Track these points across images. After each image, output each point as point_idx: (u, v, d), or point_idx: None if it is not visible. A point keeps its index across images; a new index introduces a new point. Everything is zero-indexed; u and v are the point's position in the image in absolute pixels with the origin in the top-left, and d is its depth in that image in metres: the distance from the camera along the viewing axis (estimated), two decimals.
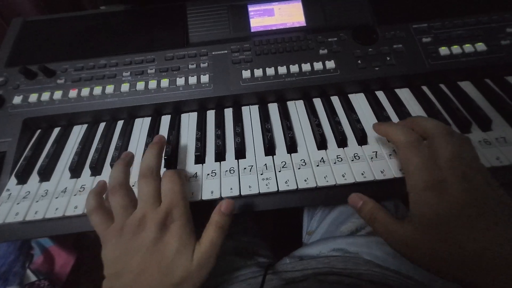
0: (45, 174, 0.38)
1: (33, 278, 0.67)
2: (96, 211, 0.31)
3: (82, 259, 0.77)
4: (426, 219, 0.26)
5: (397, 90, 0.45)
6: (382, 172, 0.35)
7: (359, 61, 0.44)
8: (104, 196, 0.34)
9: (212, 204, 0.33)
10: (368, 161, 0.36)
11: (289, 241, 0.56)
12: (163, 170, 0.38)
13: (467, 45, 0.44)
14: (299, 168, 0.36)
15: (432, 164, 0.27)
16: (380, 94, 0.45)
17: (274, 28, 0.50)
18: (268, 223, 0.84)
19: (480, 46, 0.44)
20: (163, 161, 0.39)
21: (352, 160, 0.36)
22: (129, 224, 0.29)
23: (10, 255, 0.65)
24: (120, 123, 0.45)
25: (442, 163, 0.26)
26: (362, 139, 0.38)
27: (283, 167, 0.36)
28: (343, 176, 0.35)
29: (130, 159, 0.35)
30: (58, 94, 0.44)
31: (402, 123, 0.33)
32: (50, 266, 0.71)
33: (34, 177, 0.39)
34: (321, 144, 0.38)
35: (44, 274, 0.69)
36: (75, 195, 0.36)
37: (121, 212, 0.30)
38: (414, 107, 0.42)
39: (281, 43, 0.47)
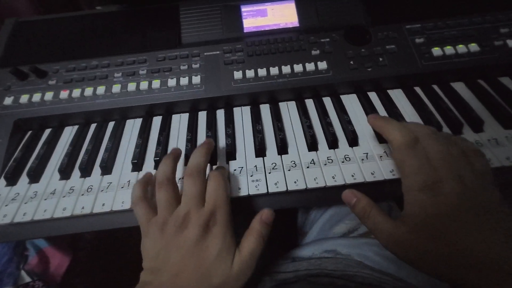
0: (35, 176, 0.38)
1: (27, 279, 0.67)
2: (141, 202, 0.31)
3: (77, 260, 0.76)
4: (420, 219, 0.26)
5: (390, 91, 0.44)
6: (372, 174, 0.35)
7: (352, 62, 0.44)
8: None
9: None
10: (358, 163, 0.36)
11: (283, 242, 0.56)
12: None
13: (460, 45, 0.44)
14: (289, 170, 0.36)
15: (428, 165, 0.27)
16: (373, 95, 0.44)
17: (267, 28, 0.50)
18: None
19: (473, 47, 0.44)
20: (153, 162, 0.39)
21: (343, 162, 0.36)
22: (172, 220, 0.29)
23: (4, 256, 0.65)
24: (111, 124, 0.45)
25: (437, 163, 0.27)
26: (353, 141, 0.38)
27: (273, 168, 0.36)
28: (333, 178, 0.35)
29: (179, 154, 0.35)
30: (49, 95, 0.44)
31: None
32: (44, 267, 0.71)
33: (24, 179, 0.39)
34: (312, 145, 0.38)
35: (39, 275, 0.69)
36: (64, 196, 0.36)
37: (165, 206, 0.30)
38: (406, 108, 0.42)
39: (273, 44, 0.46)
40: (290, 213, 0.61)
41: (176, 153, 0.35)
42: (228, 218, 0.30)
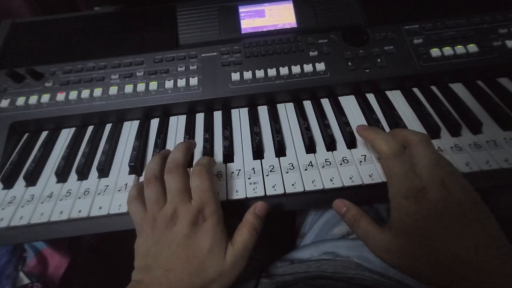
0: (31, 179, 0.38)
1: (26, 280, 0.67)
2: (134, 201, 0.31)
3: (76, 261, 0.76)
4: (406, 225, 0.27)
5: (388, 92, 0.44)
6: (370, 176, 0.35)
7: (350, 63, 0.44)
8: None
9: None
10: (356, 165, 0.36)
11: (282, 244, 0.56)
12: None
13: (458, 46, 0.44)
14: (287, 172, 0.36)
15: (412, 173, 0.28)
16: (371, 97, 0.44)
17: (264, 29, 0.50)
18: None
19: (472, 48, 0.43)
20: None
21: (341, 164, 0.36)
22: (160, 217, 0.29)
23: (2, 257, 0.65)
24: (108, 127, 0.45)
25: (422, 171, 0.28)
26: (351, 143, 0.38)
27: (271, 171, 0.36)
28: (331, 181, 0.35)
29: (167, 153, 0.35)
30: (45, 98, 0.44)
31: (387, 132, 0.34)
32: (43, 268, 0.71)
33: (21, 182, 0.39)
34: (310, 147, 0.38)
35: (37, 277, 0.68)
36: (61, 200, 0.36)
37: (154, 203, 0.30)
38: (404, 110, 0.42)
39: (271, 45, 0.46)
40: (288, 215, 0.61)
41: (165, 152, 0.35)
42: (217, 213, 0.30)
